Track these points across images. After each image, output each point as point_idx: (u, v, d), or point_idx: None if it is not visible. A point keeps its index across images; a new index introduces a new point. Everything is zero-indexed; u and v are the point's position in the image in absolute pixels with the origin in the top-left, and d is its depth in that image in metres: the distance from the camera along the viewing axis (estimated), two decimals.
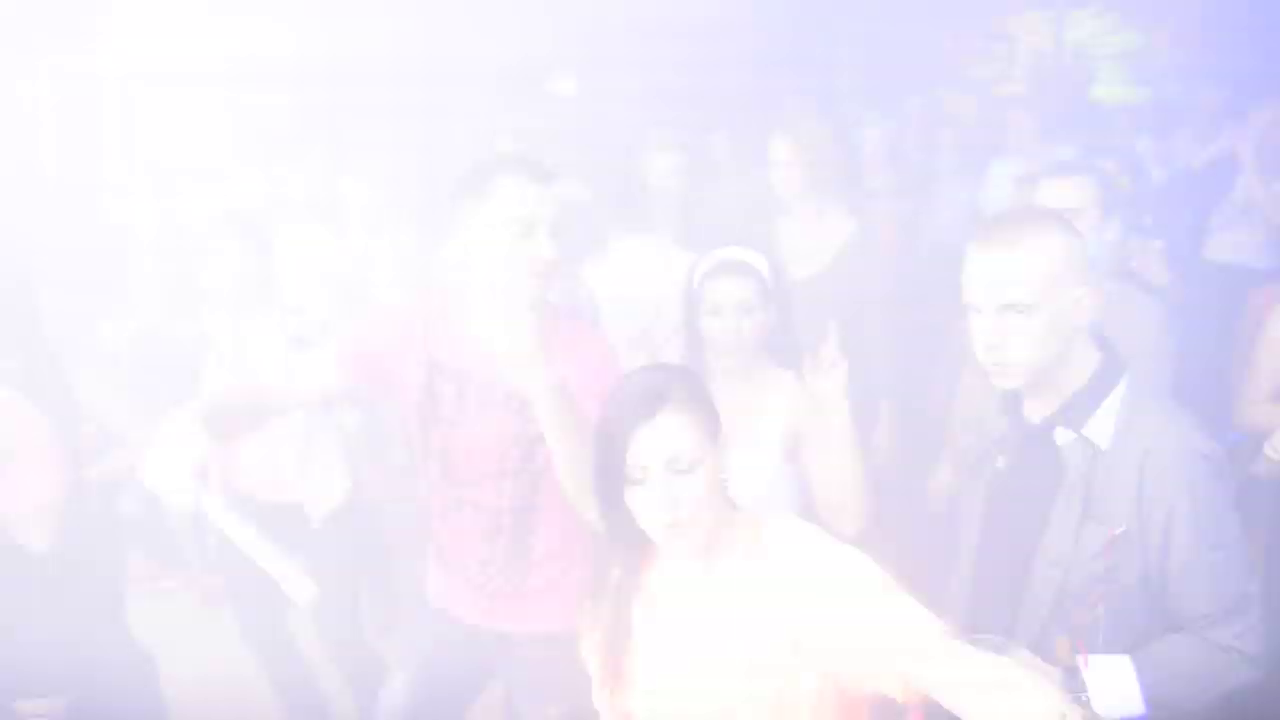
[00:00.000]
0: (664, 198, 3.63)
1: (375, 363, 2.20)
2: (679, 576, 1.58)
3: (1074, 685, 1.65)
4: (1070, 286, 1.69)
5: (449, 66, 7.40)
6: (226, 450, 2.92)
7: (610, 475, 1.51)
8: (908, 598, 1.42)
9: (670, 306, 2.74)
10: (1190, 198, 4.73)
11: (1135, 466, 1.68)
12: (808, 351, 2.15)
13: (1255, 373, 2.85)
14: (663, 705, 1.59)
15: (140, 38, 5.91)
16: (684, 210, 3.75)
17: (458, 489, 2.18)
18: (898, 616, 1.41)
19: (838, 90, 7.95)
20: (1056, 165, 2.86)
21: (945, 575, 2.01)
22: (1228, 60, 5.64)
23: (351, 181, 4.48)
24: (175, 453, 2.03)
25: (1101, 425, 1.73)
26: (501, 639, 2.25)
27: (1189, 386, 2.44)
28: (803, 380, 2.20)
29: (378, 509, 3.38)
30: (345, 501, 3.14)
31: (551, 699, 2.22)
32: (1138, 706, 1.64)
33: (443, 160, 6.21)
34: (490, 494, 2.16)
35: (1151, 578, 1.69)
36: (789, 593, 1.47)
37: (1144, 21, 8.32)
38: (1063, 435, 1.76)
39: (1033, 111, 4.88)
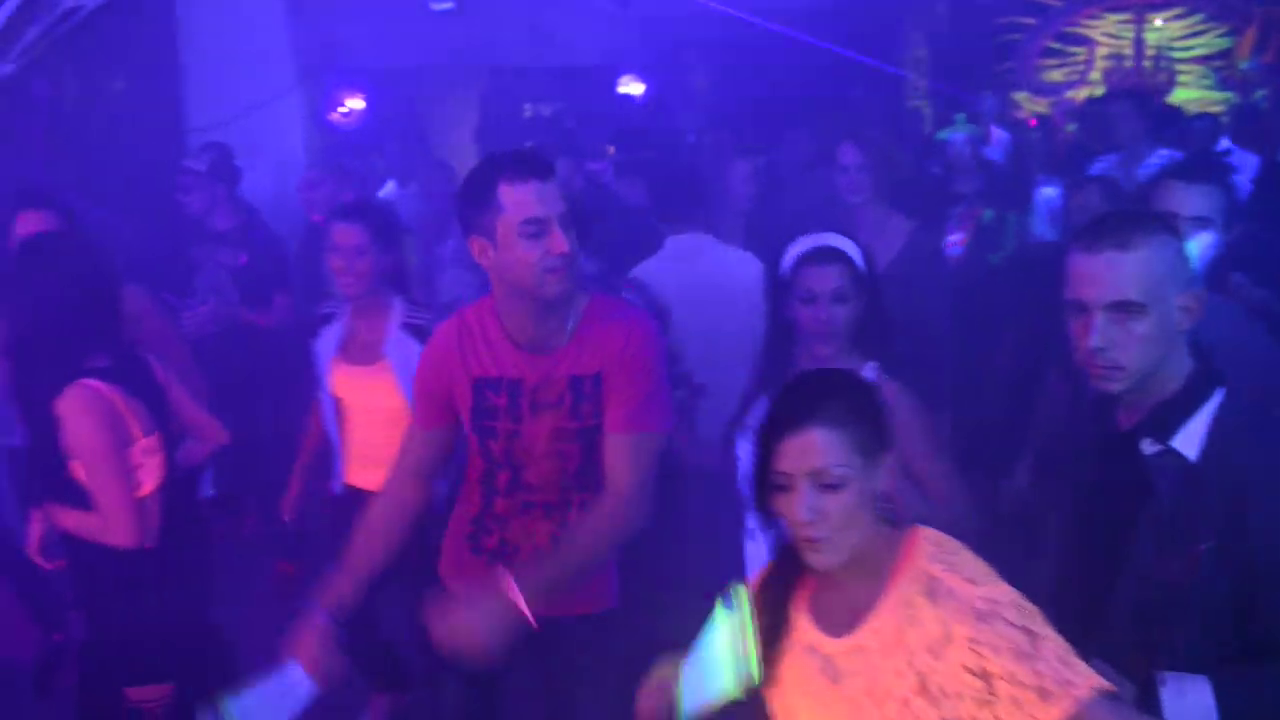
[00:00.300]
0: (739, 201, 3.68)
1: (440, 402, 2.23)
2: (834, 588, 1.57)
3: (1149, 702, 1.62)
4: (1176, 292, 1.67)
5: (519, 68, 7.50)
6: None
7: (760, 475, 1.52)
8: (1055, 644, 1.40)
9: (733, 304, 2.80)
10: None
11: (1224, 482, 1.64)
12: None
13: None
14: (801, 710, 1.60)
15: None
16: (756, 213, 3.79)
17: (527, 493, 2.20)
18: (1044, 671, 1.37)
19: (911, 91, 7.89)
20: (1184, 169, 2.81)
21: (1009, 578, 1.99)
22: None
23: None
24: None
25: (1191, 437, 1.69)
26: (550, 624, 2.24)
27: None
28: (885, 370, 2.22)
29: None
30: None
31: (603, 679, 2.25)
32: None
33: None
34: (557, 491, 2.19)
35: (1238, 598, 1.64)
36: (932, 627, 1.44)
37: (1229, 24, 8.12)
38: (1151, 445, 1.73)
39: (1122, 115, 4.78)
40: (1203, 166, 2.87)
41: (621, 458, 2.10)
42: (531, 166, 2.03)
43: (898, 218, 3.45)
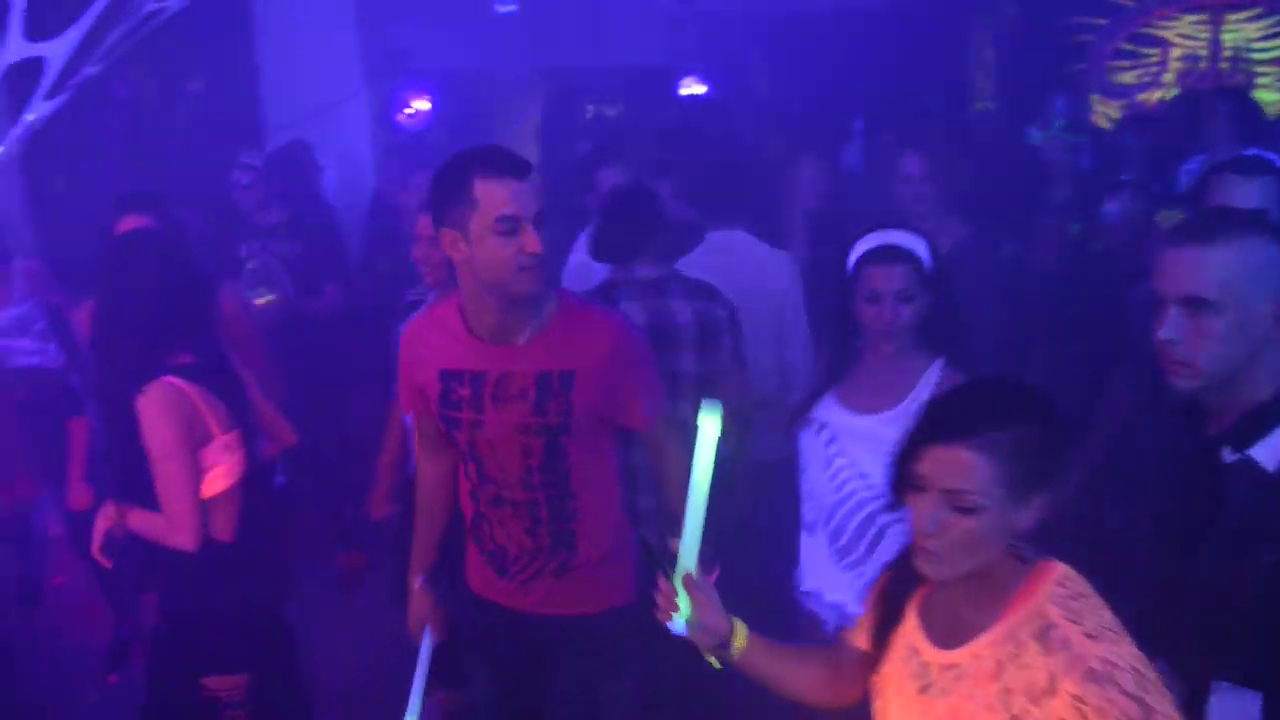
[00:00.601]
0: (806, 201, 3.70)
1: (416, 389, 2.28)
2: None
3: (1197, 708, 1.60)
4: (1265, 297, 1.62)
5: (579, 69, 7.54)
6: None
7: (899, 469, 1.47)
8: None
9: (762, 299, 2.92)
10: None
11: None
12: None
13: None
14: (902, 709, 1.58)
15: None
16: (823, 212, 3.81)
17: (494, 486, 2.23)
18: None
19: (978, 92, 7.78)
20: (1239, 162, 2.73)
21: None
22: None
23: None
24: None
25: (1273, 449, 1.65)
26: (559, 623, 2.30)
27: None
28: (953, 366, 2.24)
29: None
30: None
31: (625, 673, 2.29)
32: None
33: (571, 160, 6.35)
34: (522, 488, 2.20)
35: None
36: (1037, 674, 1.38)
37: None
38: (1230, 454, 1.68)
39: (1218, 114, 4.61)
40: (1259, 160, 2.80)
41: (656, 439, 2.24)
42: (509, 164, 2.03)
43: (952, 221, 3.44)
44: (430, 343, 2.22)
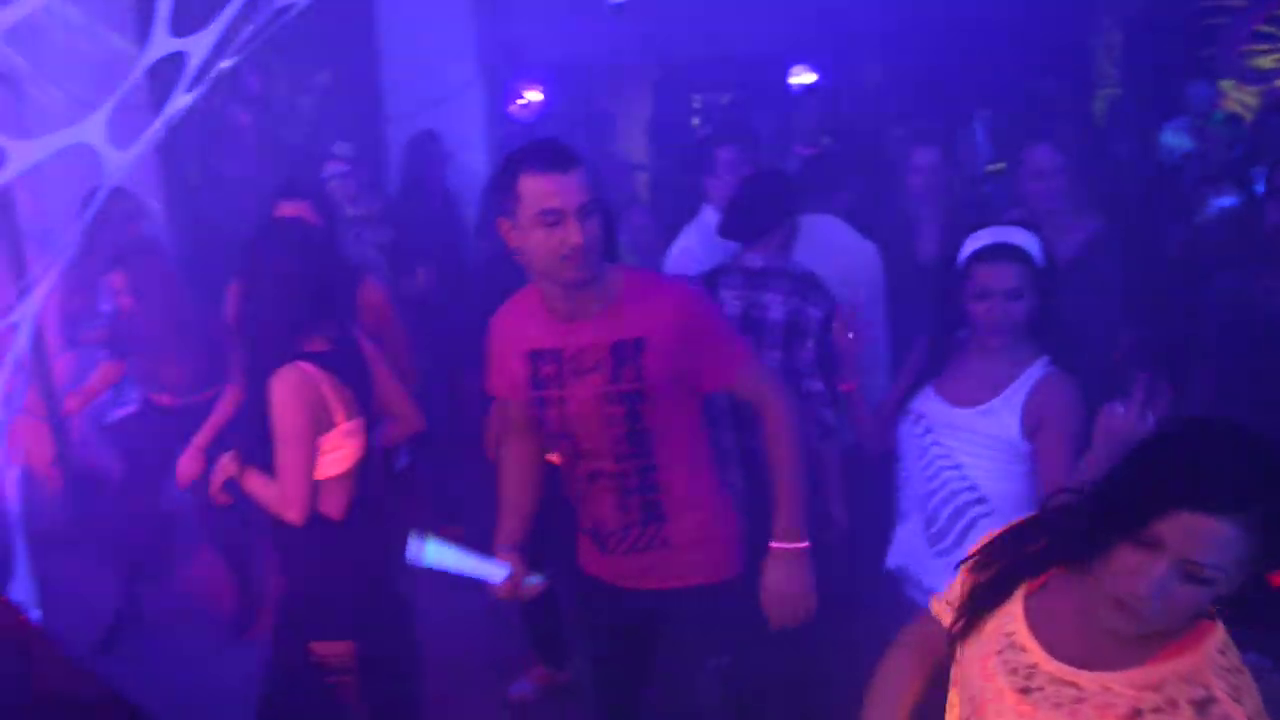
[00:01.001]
0: (925, 191, 3.64)
1: (506, 374, 2.37)
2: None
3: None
4: None
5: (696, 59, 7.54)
6: None
7: (1123, 513, 1.31)
8: None
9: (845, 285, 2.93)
10: None
11: None
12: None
13: None
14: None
15: None
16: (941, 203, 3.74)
17: (586, 461, 2.30)
18: None
19: (1103, 80, 7.50)
20: None
21: None
22: None
23: None
24: None
25: None
26: (656, 597, 2.34)
27: None
28: (1057, 365, 2.26)
29: None
30: None
31: (711, 651, 2.32)
32: None
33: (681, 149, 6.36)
34: (612, 459, 2.26)
35: None
36: None
37: None
38: None
39: None
40: None
41: (748, 391, 2.29)
42: (552, 159, 2.12)
43: (1085, 216, 3.33)
44: (517, 327, 2.33)
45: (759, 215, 3.01)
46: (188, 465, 3.39)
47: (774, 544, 2.25)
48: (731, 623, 2.34)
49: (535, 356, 2.29)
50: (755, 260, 2.97)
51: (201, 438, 3.48)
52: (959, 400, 2.45)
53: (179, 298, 3.93)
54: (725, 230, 3.07)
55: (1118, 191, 3.94)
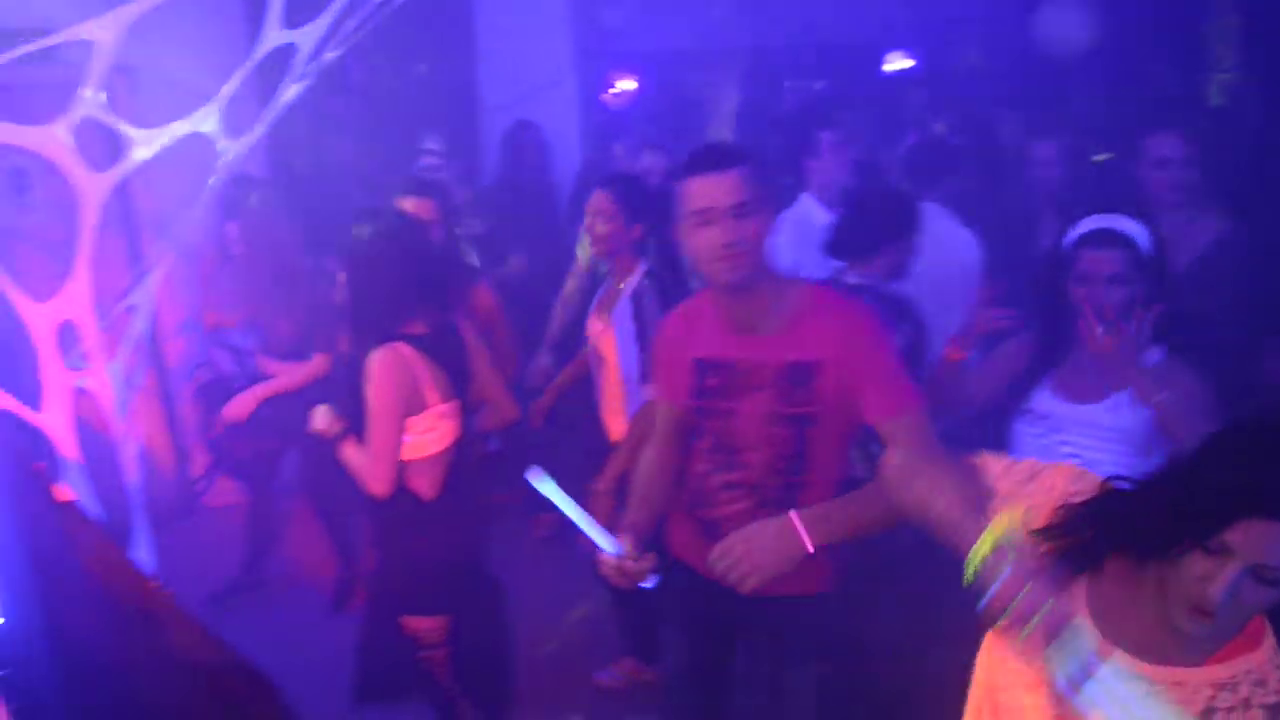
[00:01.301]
0: (1045, 184, 3.59)
1: (671, 377, 2.35)
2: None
3: None
4: None
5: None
6: None
7: (1191, 525, 1.32)
8: None
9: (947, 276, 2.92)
10: None
11: None
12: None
13: None
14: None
15: None
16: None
17: (736, 472, 2.25)
18: None
19: (1219, 65, 7.17)
20: None
21: None
22: None
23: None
24: None
25: None
26: (756, 601, 2.24)
27: None
28: (1174, 356, 2.21)
29: None
30: None
31: (813, 660, 2.28)
32: None
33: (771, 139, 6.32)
34: (765, 473, 2.21)
35: None
36: None
37: None
38: None
39: None
40: None
41: (900, 437, 2.10)
42: (706, 159, 2.12)
43: (1210, 215, 3.13)
44: (687, 333, 2.32)
45: (866, 237, 2.98)
46: (238, 407, 3.50)
47: (794, 512, 2.12)
48: (829, 634, 2.30)
49: (703, 366, 2.26)
50: (852, 278, 2.96)
51: (264, 389, 3.60)
52: (1081, 396, 2.40)
53: (290, 253, 4.03)
54: (831, 248, 3.06)
55: (1239, 183, 3.74)
